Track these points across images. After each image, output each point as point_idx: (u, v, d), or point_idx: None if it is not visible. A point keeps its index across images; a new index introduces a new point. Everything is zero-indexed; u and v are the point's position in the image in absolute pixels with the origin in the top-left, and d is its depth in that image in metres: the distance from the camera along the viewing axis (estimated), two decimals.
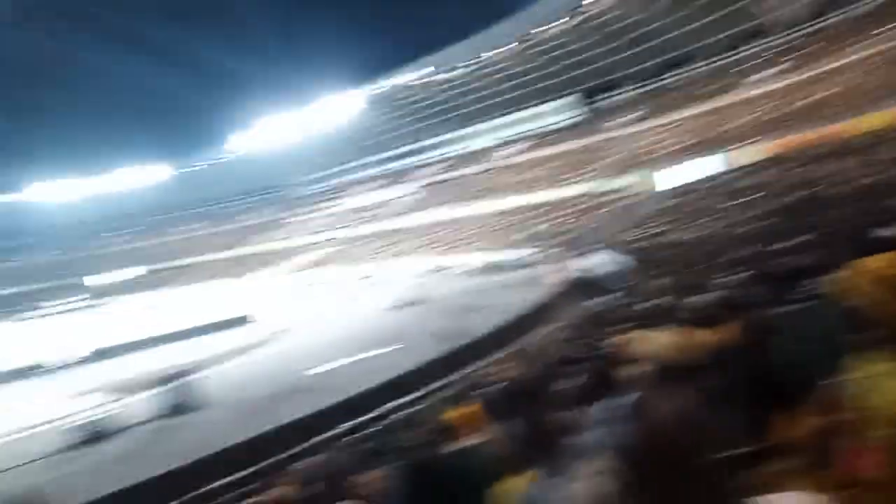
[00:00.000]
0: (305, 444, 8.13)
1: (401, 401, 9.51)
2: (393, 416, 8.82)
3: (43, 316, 51.90)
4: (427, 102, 51.60)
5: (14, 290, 60.81)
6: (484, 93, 48.14)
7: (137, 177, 69.29)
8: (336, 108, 55.11)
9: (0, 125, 63.51)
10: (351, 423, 8.71)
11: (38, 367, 21.92)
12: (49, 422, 13.24)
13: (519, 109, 47.49)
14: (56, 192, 67.14)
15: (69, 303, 54.57)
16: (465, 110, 50.69)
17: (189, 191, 70.31)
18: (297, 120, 57.21)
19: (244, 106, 63.74)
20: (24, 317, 54.29)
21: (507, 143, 47.59)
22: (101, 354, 22.84)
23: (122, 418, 10.98)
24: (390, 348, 12.82)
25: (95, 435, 10.49)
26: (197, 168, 70.86)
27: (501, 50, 43.55)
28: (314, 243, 49.70)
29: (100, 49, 75.52)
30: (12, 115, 65.56)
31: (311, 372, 12.25)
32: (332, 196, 61.41)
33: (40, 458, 10.09)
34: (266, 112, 57.68)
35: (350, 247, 44.70)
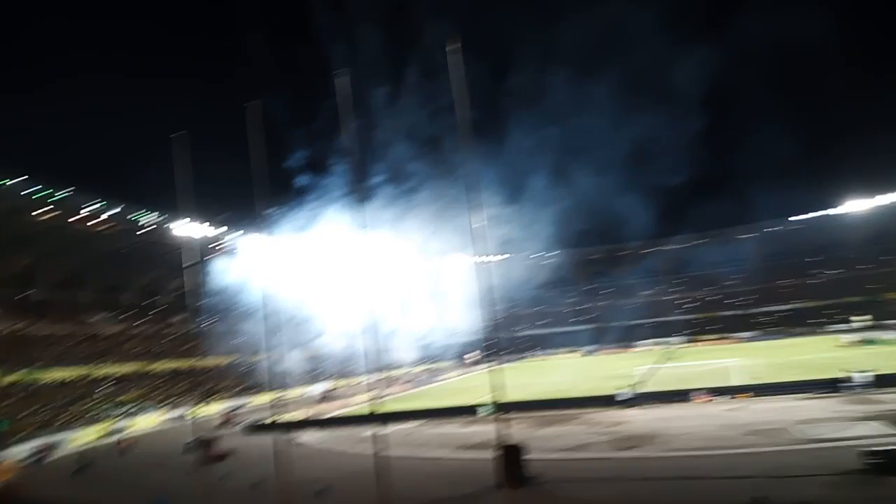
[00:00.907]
0: None
1: None
2: None
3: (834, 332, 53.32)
4: None
5: (817, 303, 66.09)
6: None
7: None
8: None
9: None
10: None
11: (839, 380, 22.40)
12: (837, 440, 14.07)
13: None
14: (862, 206, 67.86)
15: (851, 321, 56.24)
16: None
17: None
18: None
19: None
20: (826, 330, 57.65)
21: None
22: (883, 379, 22.07)
23: None
24: None
25: (888, 464, 10.41)
26: None
27: None
28: None
29: None
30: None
31: None
32: None
33: (831, 475, 10.56)
34: None
35: None
